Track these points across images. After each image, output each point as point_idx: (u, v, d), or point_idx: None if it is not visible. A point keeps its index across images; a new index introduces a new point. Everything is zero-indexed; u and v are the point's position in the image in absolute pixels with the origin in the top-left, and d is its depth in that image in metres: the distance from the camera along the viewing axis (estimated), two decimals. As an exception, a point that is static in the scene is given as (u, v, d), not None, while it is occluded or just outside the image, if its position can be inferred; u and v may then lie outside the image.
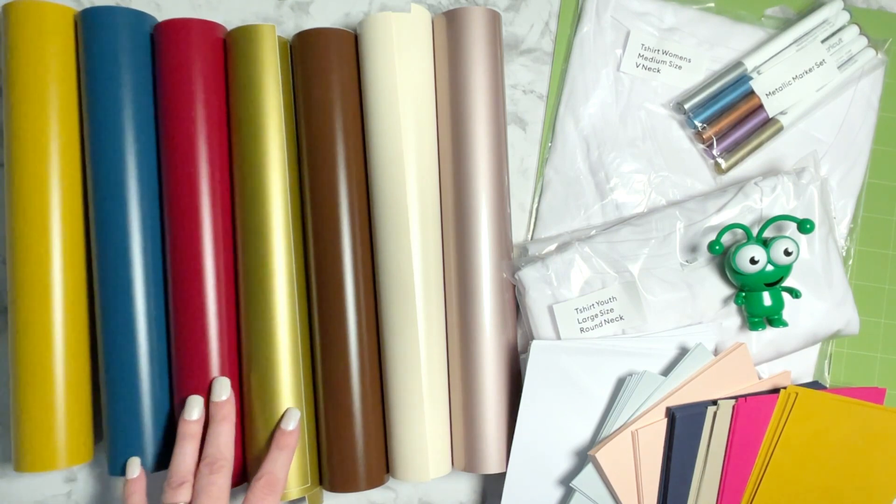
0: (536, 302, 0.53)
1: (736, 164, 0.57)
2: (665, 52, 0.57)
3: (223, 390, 0.51)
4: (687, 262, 0.54)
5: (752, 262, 0.50)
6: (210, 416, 0.51)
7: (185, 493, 0.47)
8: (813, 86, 0.57)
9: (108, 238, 0.51)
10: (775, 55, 0.57)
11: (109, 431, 0.51)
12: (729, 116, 0.57)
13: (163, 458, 0.52)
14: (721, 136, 0.57)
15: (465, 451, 0.54)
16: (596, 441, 0.52)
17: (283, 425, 0.51)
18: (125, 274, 0.51)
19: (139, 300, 0.51)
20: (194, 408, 0.51)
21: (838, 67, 0.57)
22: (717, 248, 0.51)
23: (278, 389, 0.52)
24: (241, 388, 0.53)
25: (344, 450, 0.52)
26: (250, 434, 0.52)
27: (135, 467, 0.50)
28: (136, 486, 0.50)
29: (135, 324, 0.51)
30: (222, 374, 0.52)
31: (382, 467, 0.54)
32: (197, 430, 0.50)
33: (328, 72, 0.53)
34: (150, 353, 0.52)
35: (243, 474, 0.53)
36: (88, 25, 0.52)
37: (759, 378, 0.53)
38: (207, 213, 0.52)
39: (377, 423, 0.53)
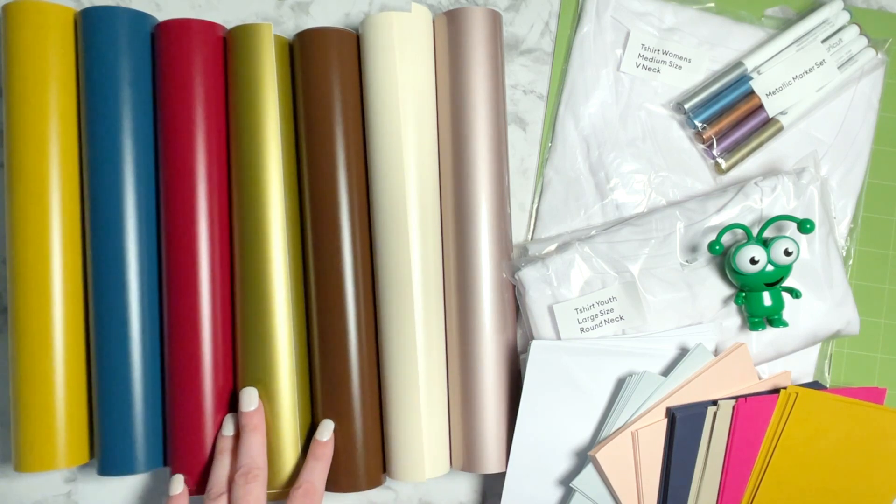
0: (536, 302, 0.53)
1: (736, 164, 0.57)
2: (665, 52, 0.57)
3: (251, 401, 0.51)
4: (687, 262, 0.54)
5: (753, 262, 0.50)
6: (241, 426, 0.51)
7: None
8: (813, 86, 0.57)
9: (104, 238, 0.51)
10: (775, 55, 0.57)
11: (101, 431, 0.51)
12: (729, 116, 0.57)
13: (153, 459, 0.52)
14: (721, 136, 0.57)
15: (465, 450, 0.54)
16: (596, 441, 0.52)
17: (317, 436, 0.52)
18: (120, 274, 0.51)
19: (133, 300, 0.51)
20: (228, 424, 0.52)
21: (838, 67, 0.57)
22: (717, 248, 0.51)
23: (275, 390, 0.51)
24: (237, 388, 0.53)
25: (342, 450, 0.52)
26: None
27: (178, 484, 0.51)
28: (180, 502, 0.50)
29: (128, 322, 0.51)
30: (216, 374, 0.52)
31: (380, 467, 0.54)
32: (231, 444, 0.51)
33: (329, 71, 0.53)
34: (142, 352, 0.52)
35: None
36: (88, 25, 0.52)
37: (759, 378, 0.53)
38: (205, 212, 0.52)
39: (375, 422, 0.53)
